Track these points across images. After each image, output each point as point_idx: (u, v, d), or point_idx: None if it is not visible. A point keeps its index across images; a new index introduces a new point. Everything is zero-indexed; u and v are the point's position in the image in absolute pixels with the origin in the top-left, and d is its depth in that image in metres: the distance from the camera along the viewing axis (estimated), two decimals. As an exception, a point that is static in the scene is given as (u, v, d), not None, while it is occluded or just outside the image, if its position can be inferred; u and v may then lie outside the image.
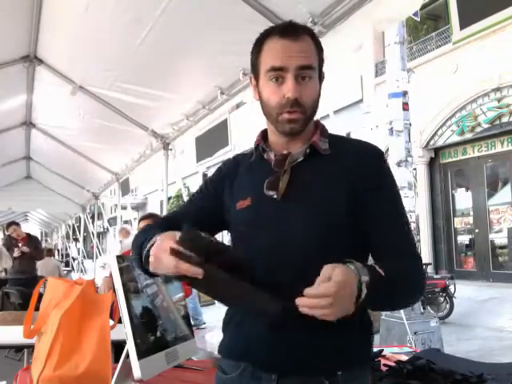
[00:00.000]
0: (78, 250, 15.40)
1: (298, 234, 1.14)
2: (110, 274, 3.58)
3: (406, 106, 5.56)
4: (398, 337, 4.88)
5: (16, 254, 7.07)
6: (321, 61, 1.22)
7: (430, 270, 10.14)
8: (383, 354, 2.23)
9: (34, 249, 7.26)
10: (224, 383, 1.23)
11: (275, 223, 1.17)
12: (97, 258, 11.70)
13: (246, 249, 1.21)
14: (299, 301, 0.94)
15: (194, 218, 1.27)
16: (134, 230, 6.41)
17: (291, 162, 1.20)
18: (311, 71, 1.16)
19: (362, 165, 1.18)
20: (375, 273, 1.02)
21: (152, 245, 1.10)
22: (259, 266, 1.15)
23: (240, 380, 1.18)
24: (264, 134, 1.30)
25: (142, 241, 1.16)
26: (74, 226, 14.66)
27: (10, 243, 7.29)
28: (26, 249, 7.08)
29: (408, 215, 1.30)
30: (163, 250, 1.02)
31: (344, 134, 1.53)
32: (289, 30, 1.17)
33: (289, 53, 1.14)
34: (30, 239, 7.45)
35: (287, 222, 1.16)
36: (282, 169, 1.19)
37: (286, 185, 1.17)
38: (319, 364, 1.11)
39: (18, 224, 7.61)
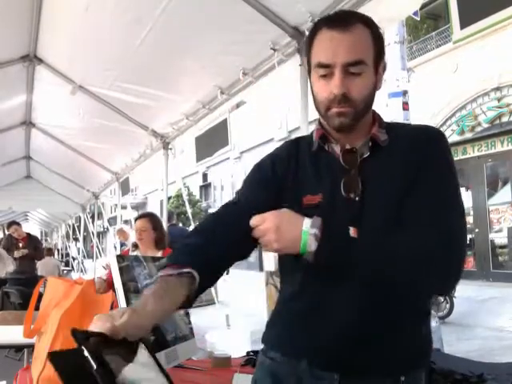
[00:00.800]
0: (78, 249, 15.40)
1: (377, 236, 1.07)
2: (109, 273, 3.57)
3: (406, 106, 5.55)
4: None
5: (16, 255, 7.08)
6: (379, 50, 1.12)
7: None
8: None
9: (34, 249, 7.27)
10: (275, 375, 1.16)
11: (354, 224, 1.08)
12: (97, 257, 11.70)
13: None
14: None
15: (237, 231, 1.11)
16: (133, 230, 6.41)
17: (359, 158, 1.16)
18: (362, 66, 1.07)
19: (416, 149, 1.12)
20: (339, 233, 1.04)
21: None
22: (335, 274, 1.07)
23: (298, 377, 1.12)
24: (322, 126, 1.22)
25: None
26: (73, 225, 14.65)
27: (11, 243, 7.30)
28: (25, 251, 7.08)
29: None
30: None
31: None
32: (337, 20, 1.10)
33: (335, 47, 1.07)
34: (31, 239, 7.47)
35: (368, 223, 1.09)
36: (355, 167, 1.14)
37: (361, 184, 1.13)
38: (384, 366, 1.08)
39: (18, 224, 7.63)
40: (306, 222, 1.01)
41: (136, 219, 3.64)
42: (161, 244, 3.47)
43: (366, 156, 1.15)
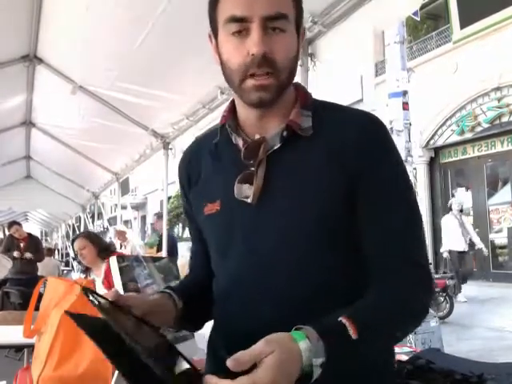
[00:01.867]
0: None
1: (279, 249, 0.90)
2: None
3: (406, 106, 5.56)
4: (398, 337, 4.86)
5: (16, 254, 7.06)
6: (299, 11, 0.92)
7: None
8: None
9: (36, 251, 7.26)
10: None
11: (250, 236, 0.92)
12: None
13: (219, 269, 1.01)
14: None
15: (205, 259, 1.07)
16: (134, 230, 6.41)
17: (266, 151, 0.92)
18: (284, 22, 0.87)
19: (353, 142, 0.90)
20: (340, 338, 0.77)
21: None
22: (235, 294, 0.95)
23: None
24: (233, 107, 1.00)
25: None
26: (74, 225, 14.65)
27: (12, 243, 7.28)
28: (28, 255, 7.06)
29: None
30: None
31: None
32: None
33: None
34: (31, 239, 7.45)
35: (265, 235, 0.91)
36: (256, 161, 0.91)
37: (262, 184, 0.91)
38: None
39: (19, 224, 7.62)
40: (303, 347, 0.73)
41: (72, 242, 3.72)
42: (104, 254, 3.47)
43: (276, 148, 0.93)
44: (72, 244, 3.67)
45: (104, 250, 3.52)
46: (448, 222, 9.05)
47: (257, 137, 0.94)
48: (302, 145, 0.92)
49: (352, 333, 0.77)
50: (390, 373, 1.00)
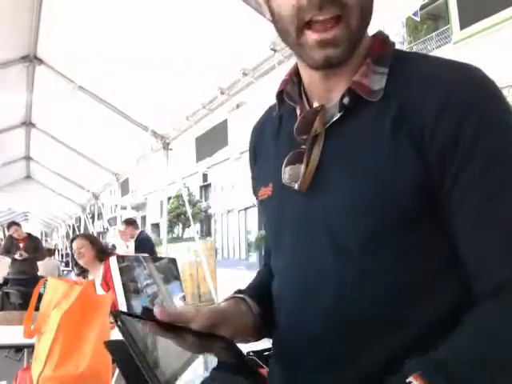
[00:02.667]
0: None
1: (334, 249, 0.70)
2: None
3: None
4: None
5: (17, 256, 7.05)
6: None
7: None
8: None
9: (35, 251, 7.24)
10: None
11: (298, 231, 0.74)
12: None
13: (274, 265, 0.84)
14: None
15: None
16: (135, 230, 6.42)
17: (324, 123, 0.72)
18: None
19: (437, 110, 0.63)
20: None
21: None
22: (286, 302, 0.78)
23: None
24: (298, 70, 0.79)
25: None
26: (74, 225, 14.65)
27: (11, 244, 7.27)
28: (25, 255, 7.06)
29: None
30: None
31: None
32: None
33: None
34: (31, 239, 7.44)
35: (314, 233, 0.72)
36: (309, 137, 0.72)
37: (315, 167, 0.71)
38: None
39: (18, 224, 7.58)
40: None
41: (70, 243, 3.72)
42: (102, 255, 3.48)
43: (335, 119, 0.71)
44: (71, 244, 3.67)
45: (102, 252, 3.53)
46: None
47: (315, 105, 0.74)
48: (368, 114, 0.69)
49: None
50: None
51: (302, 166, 0.72)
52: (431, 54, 12.68)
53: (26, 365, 2.49)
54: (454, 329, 0.61)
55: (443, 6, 12.32)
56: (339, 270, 0.69)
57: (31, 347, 2.12)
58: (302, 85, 0.78)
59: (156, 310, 0.64)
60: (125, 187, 7.23)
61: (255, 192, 0.86)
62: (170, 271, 2.26)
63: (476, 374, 0.57)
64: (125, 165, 6.38)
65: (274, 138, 0.83)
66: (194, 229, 8.66)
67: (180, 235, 30.43)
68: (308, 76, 0.76)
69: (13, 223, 7.59)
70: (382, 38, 0.75)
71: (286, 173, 0.74)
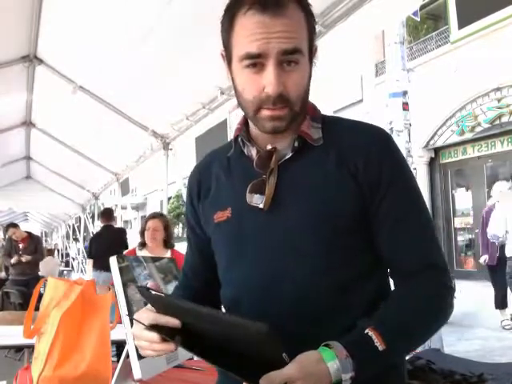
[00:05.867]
0: (78, 249, 15.38)
1: (294, 253, 0.91)
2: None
3: (406, 106, 5.55)
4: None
5: (13, 261, 6.94)
6: (311, 31, 0.92)
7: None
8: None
9: (35, 251, 7.19)
10: None
11: (261, 241, 0.93)
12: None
13: (228, 276, 1.00)
14: None
15: (204, 270, 1.09)
16: (134, 230, 6.42)
17: (278, 160, 0.94)
18: (298, 55, 0.87)
19: (365, 155, 0.92)
20: (368, 352, 0.81)
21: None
22: (246, 304, 0.94)
23: None
24: (246, 121, 1.01)
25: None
26: (74, 225, 14.66)
27: (11, 246, 7.21)
28: (27, 258, 6.99)
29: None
30: (136, 336, 0.91)
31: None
32: (266, 1, 0.85)
33: (268, 34, 0.84)
34: (32, 239, 7.37)
35: (276, 240, 0.92)
36: (268, 169, 0.93)
37: (274, 190, 0.92)
38: None
39: (16, 226, 7.49)
40: (333, 369, 0.77)
41: (148, 219, 3.71)
42: (169, 244, 3.57)
43: (287, 157, 0.95)
44: (146, 222, 3.70)
45: (169, 240, 3.64)
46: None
47: (269, 147, 0.96)
48: (312, 153, 0.94)
49: (379, 344, 0.81)
50: (405, 368, 1.02)
51: (266, 190, 0.92)
52: (431, 53, 12.66)
53: (26, 365, 2.48)
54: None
55: (443, 6, 12.32)
56: (297, 269, 0.90)
57: (31, 347, 2.12)
58: (249, 132, 1.00)
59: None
60: (125, 187, 7.23)
61: (209, 219, 1.01)
62: (170, 271, 2.26)
63: (405, 326, 0.87)
64: (125, 165, 6.39)
65: (225, 173, 1.02)
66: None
67: (180, 235, 30.42)
68: (257, 132, 0.97)
69: (10, 225, 7.51)
70: (312, 104, 1.00)
71: (249, 198, 0.94)
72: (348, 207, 0.90)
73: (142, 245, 3.67)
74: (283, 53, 0.86)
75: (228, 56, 0.94)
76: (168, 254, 3.46)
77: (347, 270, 0.91)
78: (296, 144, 0.94)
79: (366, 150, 0.92)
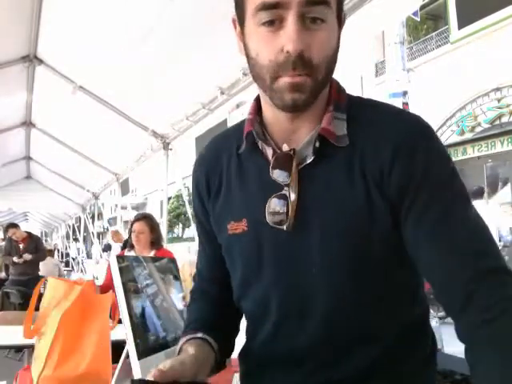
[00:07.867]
0: (78, 250, 15.41)
1: (317, 274, 0.80)
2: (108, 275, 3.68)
3: (406, 106, 5.56)
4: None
5: (16, 259, 6.96)
6: None
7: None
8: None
9: (36, 251, 7.19)
10: None
11: (283, 259, 0.82)
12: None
13: (246, 291, 0.90)
14: None
15: (221, 262, 0.96)
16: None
17: (298, 164, 0.81)
18: (325, 8, 0.73)
19: (395, 154, 0.76)
20: None
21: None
22: (266, 318, 0.86)
23: None
24: (258, 106, 0.87)
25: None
26: (74, 225, 14.66)
27: (11, 246, 7.20)
28: (28, 257, 7.00)
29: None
30: None
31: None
32: None
33: None
34: (32, 239, 7.37)
35: (300, 259, 0.81)
36: (289, 180, 0.80)
37: (295, 207, 0.80)
38: None
39: (16, 226, 7.48)
40: None
41: (134, 221, 3.70)
42: (156, 244, 3.57)
43: (308, 162, 0.80)
44: (132, 224, 3.68)
45: (157, 242, 3.61)
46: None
47: (285, 147, 0.82)
48: (336, 157, 0.80)
49: None
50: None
51: (289, 211, 0.79)
52: (431, 53, 12.67)
53: (26, 365, 2.48)
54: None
55: (443, 6, 12.33)
56: (325, 283, 0.80)
57: (31, 347, 2.12)
58: (263, 123, 0.86)
59: (153, 373, 0.71)
60: (125, 187, 7.23)
61: (221, 224, 0.90)
62: (170, 271, 2.26)
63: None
64: (125, 165, 6.38)
65: (237, 173, 0.88)
66: (194, 229, 8.66)
67: (180, 235, 30.44)
68: (273, 116, 0.83)
69: (10, 225, 7.50)
70: (337, 85, 0.85)
71: (274, 217, 0.81)
72: (378, 226, 0.77)
73: (131, 246, 3.68)
74: (306, 3, 0.71)
75: (241, 16, 0.79)
76: (152, 254, 3.44)
77: (379, 293, 0.81)
78: (317, 145, 0.79)
79: (393, 144, 0.77)
